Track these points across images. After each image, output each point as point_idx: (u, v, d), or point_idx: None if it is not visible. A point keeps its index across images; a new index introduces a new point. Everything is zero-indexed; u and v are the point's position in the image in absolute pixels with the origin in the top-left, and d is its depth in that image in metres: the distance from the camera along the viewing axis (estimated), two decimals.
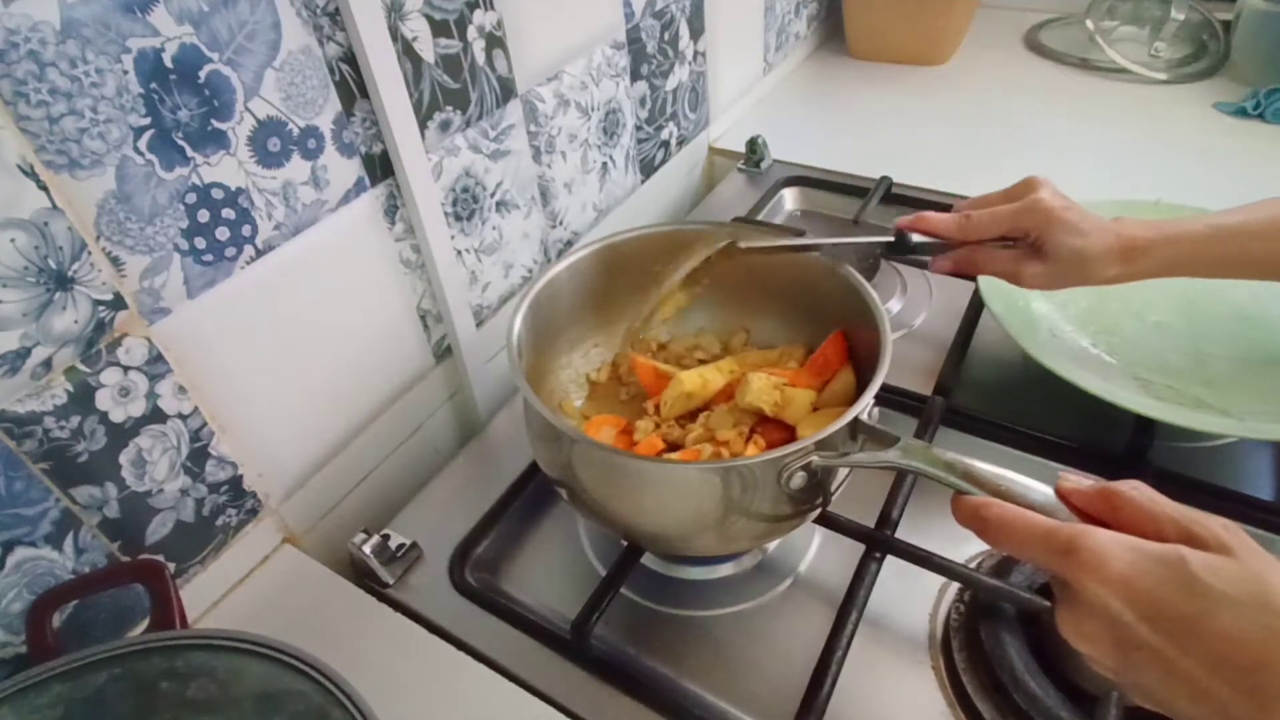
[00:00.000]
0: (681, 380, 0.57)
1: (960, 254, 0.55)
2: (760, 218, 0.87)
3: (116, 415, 0.46)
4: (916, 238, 0.55)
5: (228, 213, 0.48)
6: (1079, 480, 0.36)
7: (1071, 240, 0.50)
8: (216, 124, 0.46)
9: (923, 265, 0.79)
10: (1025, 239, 0.52)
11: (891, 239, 0.55)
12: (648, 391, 0.61)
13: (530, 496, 0.62)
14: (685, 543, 0.51)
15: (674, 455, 0.54)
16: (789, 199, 0.96)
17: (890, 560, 0.53)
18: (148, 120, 0.43)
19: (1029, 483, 0.37)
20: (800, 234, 0.60)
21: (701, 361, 0.63)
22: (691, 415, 0.58)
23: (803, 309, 0.62)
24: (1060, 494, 0.36)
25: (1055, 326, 0.67)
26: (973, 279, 0.71)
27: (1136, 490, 0.33)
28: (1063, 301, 0.69)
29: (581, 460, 0.48)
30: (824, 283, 0.58)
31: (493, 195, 0.69)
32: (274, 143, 0.50)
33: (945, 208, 0.56)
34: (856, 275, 0.55)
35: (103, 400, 0.45)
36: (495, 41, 0.63)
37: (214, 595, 0.56)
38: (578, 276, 0.60)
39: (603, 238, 0.60)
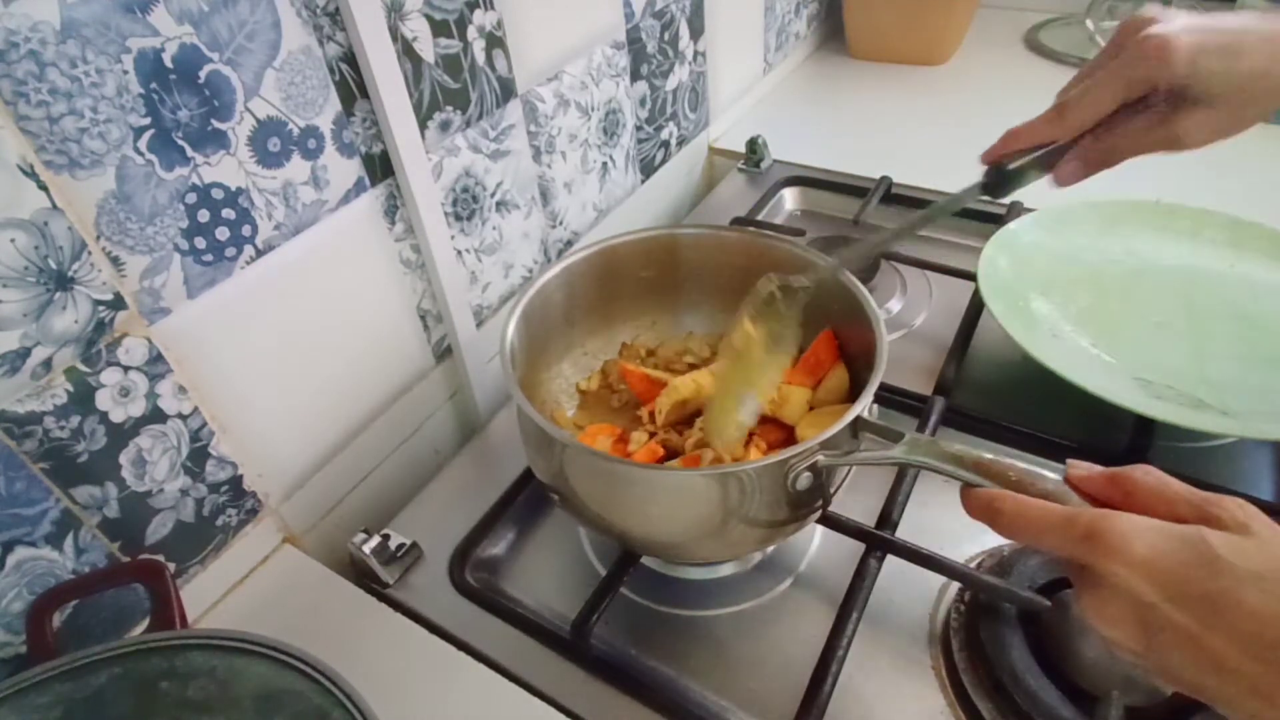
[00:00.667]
0: (676, 386, 0.57)
1: (1081, 150, 0.44)
2: (760, 218, 0.86)
3: (116, 415, 0.46)
4: (1013, 165, 0.45)
5: (228, 213, 0.48)
6: (1089, 467, 0.36)
7: (1229, 64, 0.38)
8: (216, 124, 0.46)
9: (928, 265, 0.79)
10: (1155, 93, 0.41)
11: (984, 180, 0.47)
12: (640, 399, 0.61)
13: (530, 497, 0.62)
14: (688, 550, 0.50)
15: (675, 462, 0.54)
16: (789, 199, 0.96)
17: (890, 560, 0.53)
18: (148, 120, 0.43)
19: (1039, 471, 0.37)
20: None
21: (691, 365, 0.63)
22: (687, 421, 0.58)
23: None
24: (1070, 481, 0.36)
25: (1055, 326, 0.67)
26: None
27: (1148, 474, 0.33)
28: (1063, 301, 0.69)
29: (581, 471, 0.48)
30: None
31: (493, 195, 0.69)
32: (274, 143, 0.50)
33: None
34: (844, 273, 0.55)
35: (103, 400, 0.45)
36: (495, 41, 0.63)
37: (214, 595, 0.56)
38: (569, 283, 0.60)
39: (595, 242, 0.60)
